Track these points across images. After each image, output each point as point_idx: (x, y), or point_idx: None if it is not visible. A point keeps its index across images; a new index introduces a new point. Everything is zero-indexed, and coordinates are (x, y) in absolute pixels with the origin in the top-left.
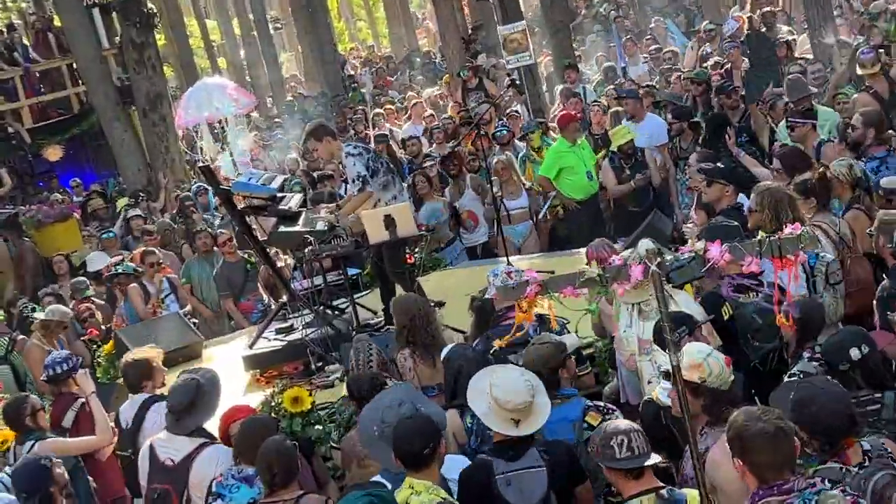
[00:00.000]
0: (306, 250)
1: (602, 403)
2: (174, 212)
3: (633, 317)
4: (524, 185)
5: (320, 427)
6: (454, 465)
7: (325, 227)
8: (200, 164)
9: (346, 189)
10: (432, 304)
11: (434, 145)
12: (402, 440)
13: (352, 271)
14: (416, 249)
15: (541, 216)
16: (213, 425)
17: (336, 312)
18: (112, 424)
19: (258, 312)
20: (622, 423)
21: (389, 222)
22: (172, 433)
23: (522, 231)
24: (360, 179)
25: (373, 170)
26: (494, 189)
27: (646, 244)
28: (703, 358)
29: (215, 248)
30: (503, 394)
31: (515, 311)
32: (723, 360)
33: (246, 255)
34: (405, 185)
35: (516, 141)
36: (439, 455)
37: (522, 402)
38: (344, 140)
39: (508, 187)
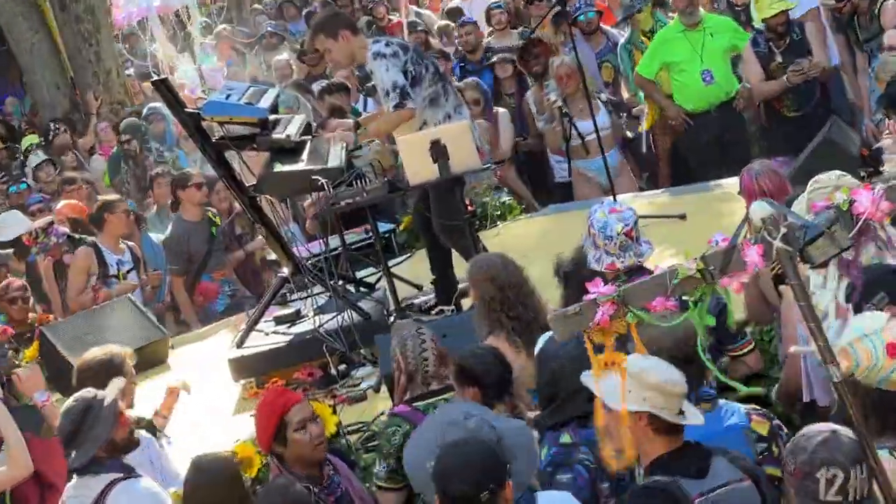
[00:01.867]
0: (315, 198)
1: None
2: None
3: (830, 270)
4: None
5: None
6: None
7: (343, 163)
8: (153, 79)
9: (367, 108)
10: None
11: (491, 35)
12: (445, 478)
13: (383, 227)
14: (479, 192)
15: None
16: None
17: (362, 289)
18: None
19: (224, 298)
20: (838, 440)
21: (439, 152)
22: (78, 476)
23: (603, 166)
24: (398, 92)
25: (414, 76)
26: (556, 103)
27: (761, 209)
28: (852, 340)
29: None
30: (663, 374)
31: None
32: (883, 348)
33: (210, 214)
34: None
35: (610, 29)
36: (504, 501)
37: (683, 382)
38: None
39: (577, 102)
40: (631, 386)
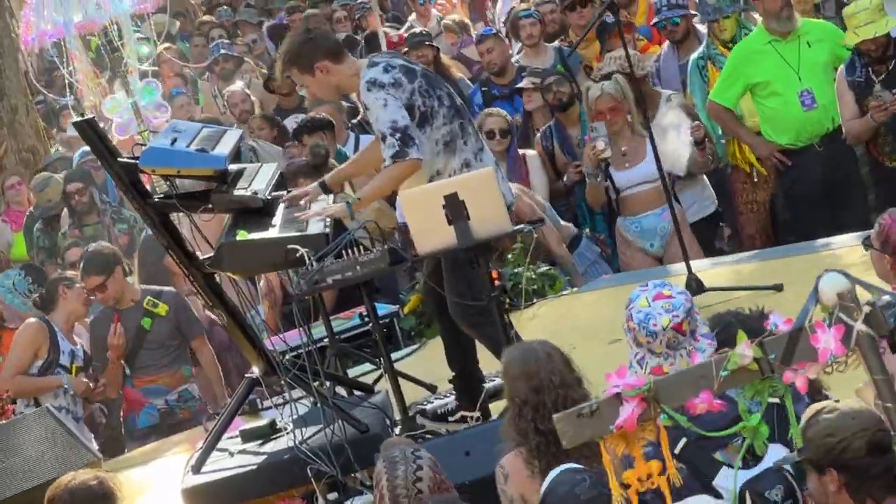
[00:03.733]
0: (294, 275)
1: None
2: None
3: None
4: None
5: None
6: None
7: (328, 227)
8: (74, 119)
9: (356, 147)
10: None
11: (520, 51)
12: None
13: (382, 310)
14: (510, 257)
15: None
16: None
17: (357, 393)
18: None
19: (152, 410)
20: None
21: (456, 210)
22: None
23: (654, 226)
24: (398, 137)
25: (423, 112)
26: (604, 152)
27: (836, 282)
28: None
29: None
30: None
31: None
32: None
33: (149, 301)
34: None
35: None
36: None
37: None
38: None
39: (621, 141)
40: None
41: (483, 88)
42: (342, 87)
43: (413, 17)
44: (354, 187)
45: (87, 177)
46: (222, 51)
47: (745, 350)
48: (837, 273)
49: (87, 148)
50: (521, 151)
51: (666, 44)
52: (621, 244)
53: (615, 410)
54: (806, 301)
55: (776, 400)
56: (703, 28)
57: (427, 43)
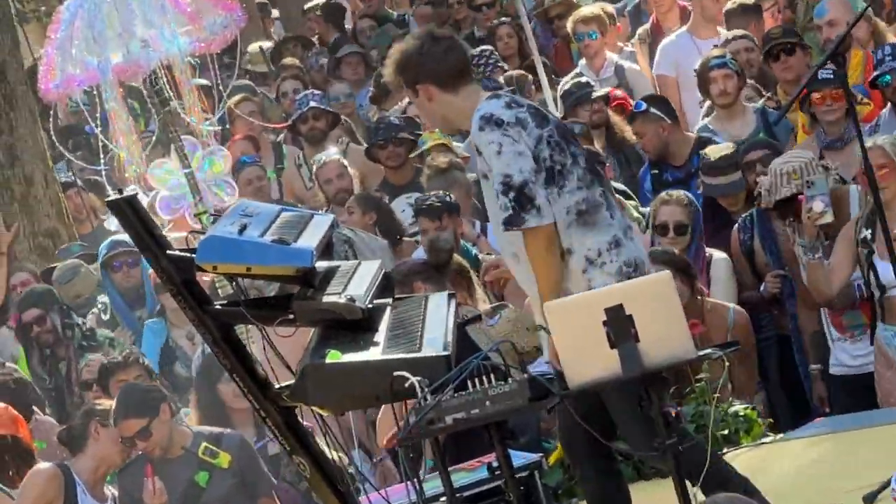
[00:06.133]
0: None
1: None
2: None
3: None
4: None
5: None
6: None
7: (450, 345)
8: (112, 196)
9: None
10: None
11: (711, 113)
12: None
13: (518, 460)
14: (693, 393)
15: None
16: None
17: None
18: None
19: None
20: None
21: (622, 328)
22: None
23: None
24: (512, 196)
25: (550, 167)
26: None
27: None
28: None
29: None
30: None
31: None
32: None
33: (204, 451)
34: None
35: None
36: None
37: None
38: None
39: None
40: None
41: (653, 171)
42: (450, 120)
43: (583, 62)
44: None
45: (43, 299)
46: (311, 104)
47: None
48: None
49: (119, 237)
50: (708, 251)
51: (887, 107)
52: (881, 364)
53: None
54: None
55: None
56: None
57: (593, 95)
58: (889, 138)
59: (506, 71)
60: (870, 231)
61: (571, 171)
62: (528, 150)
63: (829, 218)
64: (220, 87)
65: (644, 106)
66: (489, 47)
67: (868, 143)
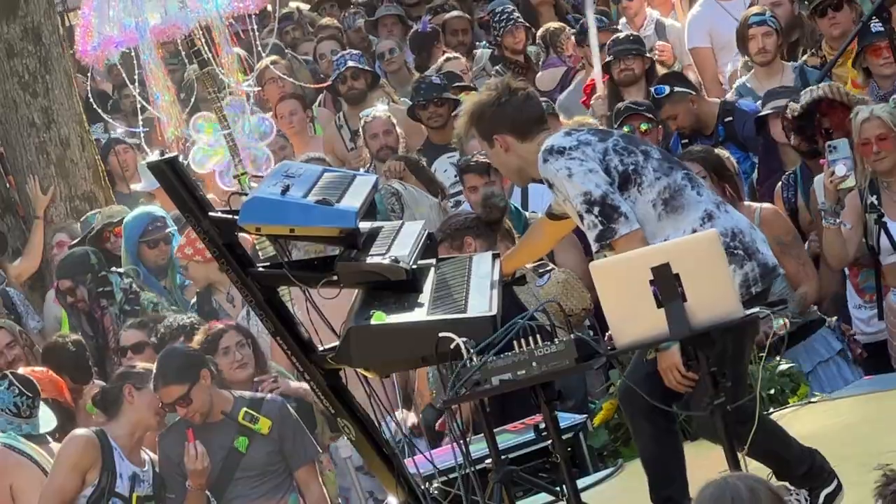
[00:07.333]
0: (448, 372)
1: None
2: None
3: None
4: None
5: None
6: None
7: (495, 307)
8: (148, 158)
9: (524, 201)
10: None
11: (749, 70)
12: None
13: (565, 420)
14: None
15: None
16: None
17: None
18: None
19: None
20: None
21: (668, 287)
22: None
23: None
24: (597, 211)
25: (622, 171)
26: (845, 181)
27: None
28: None
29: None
30: None
31: None
32: None
33: (244, 416)
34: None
35: None
36: None
37: None
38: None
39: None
40: None
41: (683, 140)
42: (525, 172)
43: (623, 21)
44: None
45: (75, 269)
46: (350, 63)
47: None
48: None
49: (156, 211)
50: (753, 205)
51: None
52: (894, 328)
53: None
54: None
55: None
56: None
57: (635, 52)
58: (887, 107)
59: (528, 28)
60: (875, 196)
61: (645, 165)
62: (598, 165)
63: (851, 182)
64: (259, 49)
65: (666, 89)
66: (509, 4)
67: (865, 113)
